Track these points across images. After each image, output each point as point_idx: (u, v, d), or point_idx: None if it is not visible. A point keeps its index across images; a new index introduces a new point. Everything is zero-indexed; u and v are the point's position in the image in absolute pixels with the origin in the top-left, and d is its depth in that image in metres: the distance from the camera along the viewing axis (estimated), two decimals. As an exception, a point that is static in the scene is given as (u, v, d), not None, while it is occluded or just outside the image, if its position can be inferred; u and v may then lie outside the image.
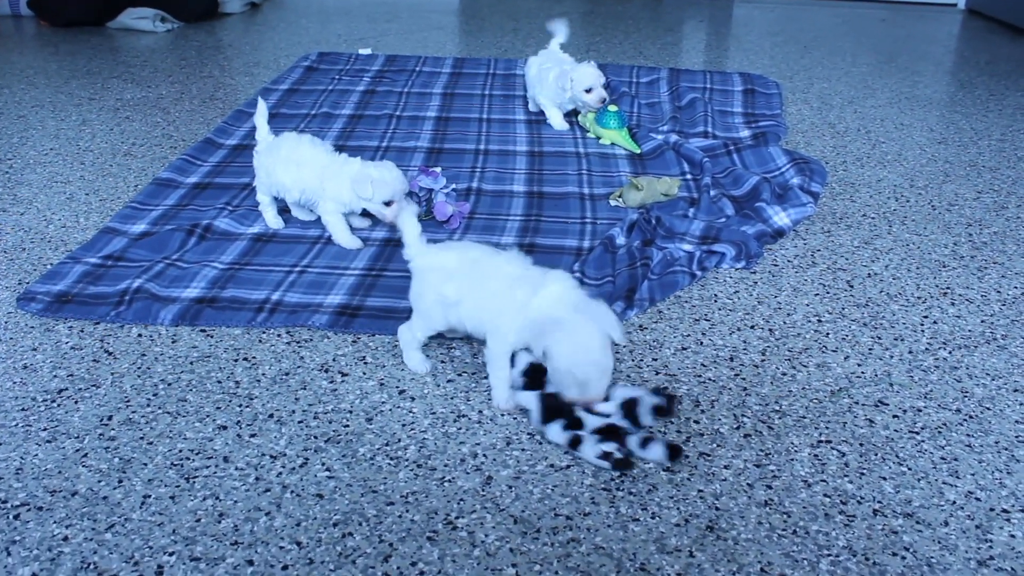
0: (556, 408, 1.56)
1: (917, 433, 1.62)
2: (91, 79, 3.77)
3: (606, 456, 1.49)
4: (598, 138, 3.04)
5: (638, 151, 2.94)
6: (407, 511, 1.42)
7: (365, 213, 2.31)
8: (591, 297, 1.60)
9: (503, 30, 4.90)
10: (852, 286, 2.15)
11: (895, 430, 1.63)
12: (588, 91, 3.00)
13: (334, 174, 2.21)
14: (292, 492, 1.45)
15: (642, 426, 1.58)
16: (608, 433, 1.54)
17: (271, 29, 4.83)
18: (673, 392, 1.69)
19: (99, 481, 1.47)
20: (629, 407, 1.58)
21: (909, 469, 1.53)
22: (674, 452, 1.51)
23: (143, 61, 4.09)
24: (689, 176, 2.73)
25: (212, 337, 1.89)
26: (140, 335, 1.89)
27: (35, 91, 3.60)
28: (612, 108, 3.02)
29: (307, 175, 2.22)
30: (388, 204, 2.19)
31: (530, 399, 1.59)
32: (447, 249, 1.73)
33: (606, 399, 1.59)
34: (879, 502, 1.45)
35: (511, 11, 5.43)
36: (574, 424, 1.54)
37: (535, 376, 1.61)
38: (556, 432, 1.55)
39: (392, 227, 2.37)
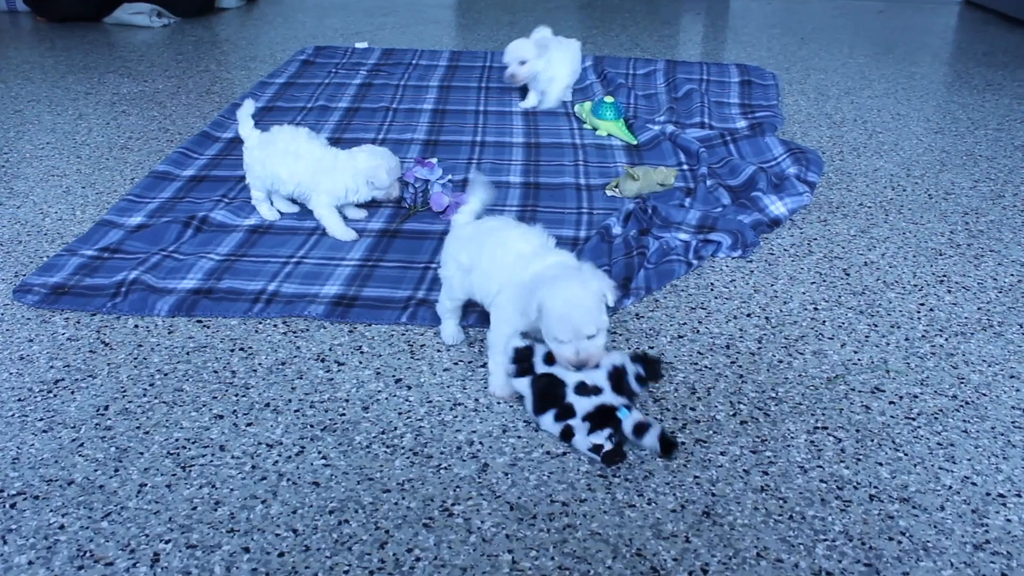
0: (548, 395, 1.55)
1: (913, 419, 1.62)
2: (87, 74, 3.76)
3: (597, 449, 1.48)
4: (595, 129, 3.04)
5: (635, 142, 2.94)
6: (403, 498, 1.42)
7: (360, 203, 2.33)
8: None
9: (499, 23, 4.89)
10: (848, 274, 2.15)
11: (891, 416, 1.63)
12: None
13: (328, 168, 2.23)
14: (288, 480, 1.45)
15: (634, 394, 1.57)
16: (599, 417, 1.53)
17: (268, 23, 4.82)
18: (654, 356, 1.62)
19: (95, 470, 1.47)
20: (617, 377, 1.55)
21: (905, 455, 1.53)
22: (667, 447, 1.50)
23: (140, 56, 4.08)
24: (685, 166, 2.73)
25: (208, 328, 1.89)
26: (136, 326, 1.89)
27: (31, 86, 3.59)
28: (608, 99, 3.02)
29: (302, 168, 2.23)
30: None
31: (524, 385, 1.58)
32: (477, 221, 1.79)
33: (597, 366, 1.55)
34: (875, 487, 1.45)
35: (507, 5, 5.42)
36: (565, 412, 1.54)
37: (524, 360, 1.59)
38: (549, 422, 1.54)
39: (392, 217, 2.37)
